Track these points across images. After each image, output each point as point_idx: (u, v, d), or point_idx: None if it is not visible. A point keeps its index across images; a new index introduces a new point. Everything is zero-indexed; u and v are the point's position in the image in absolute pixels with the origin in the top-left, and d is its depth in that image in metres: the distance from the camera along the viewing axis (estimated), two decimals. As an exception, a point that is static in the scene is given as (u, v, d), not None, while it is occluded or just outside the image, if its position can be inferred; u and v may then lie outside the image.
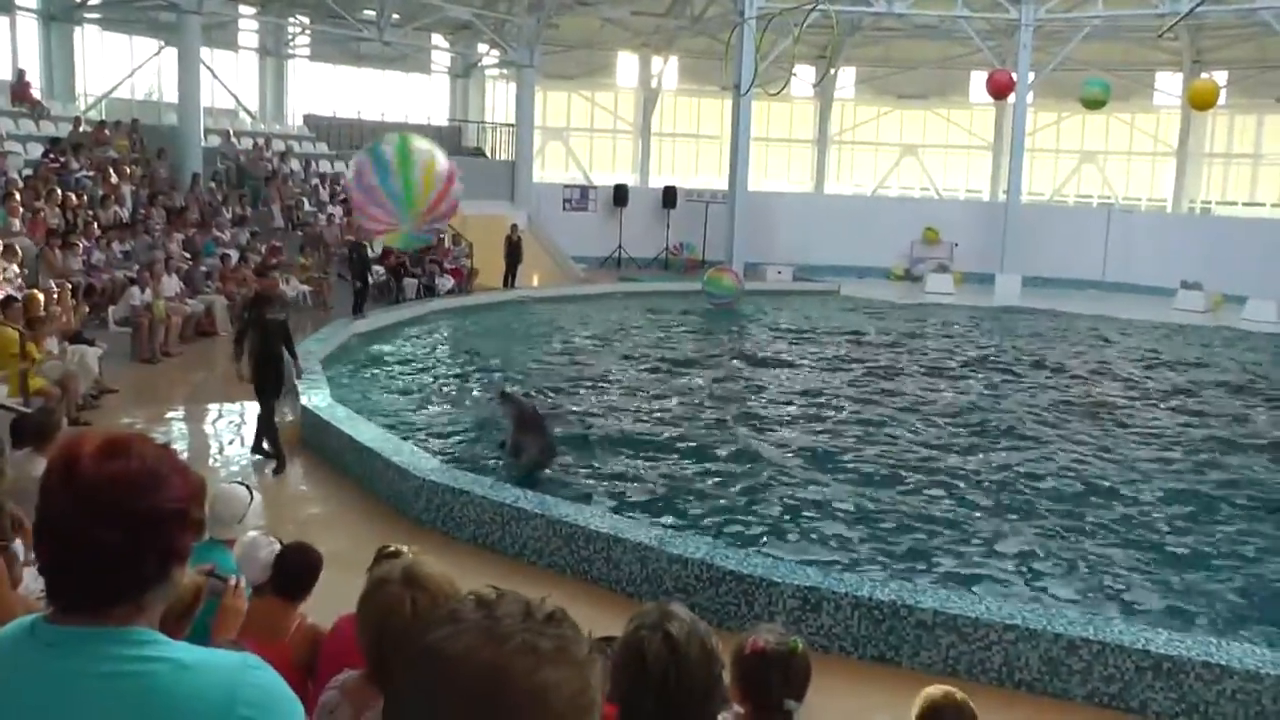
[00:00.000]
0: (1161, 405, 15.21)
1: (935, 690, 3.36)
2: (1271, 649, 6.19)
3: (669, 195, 31.72)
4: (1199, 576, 8.35)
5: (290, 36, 30.11)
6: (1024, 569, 8.34)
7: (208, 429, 10.63)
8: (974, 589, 7.68)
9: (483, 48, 32.16)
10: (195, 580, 2.91)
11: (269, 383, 9.98)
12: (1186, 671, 5.80)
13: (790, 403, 14.32)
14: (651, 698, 2.15)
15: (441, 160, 9.86)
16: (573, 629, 1.23)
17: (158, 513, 1.55)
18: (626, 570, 7.21)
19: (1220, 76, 30.72)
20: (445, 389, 14.39)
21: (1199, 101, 19.50)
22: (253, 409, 10.43)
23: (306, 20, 29.17)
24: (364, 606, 2.48)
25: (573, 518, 7.61)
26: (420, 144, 9.93)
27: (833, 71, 34.21)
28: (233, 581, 3.12)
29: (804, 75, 32.05)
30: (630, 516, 8.67)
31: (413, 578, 2.41)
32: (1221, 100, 29.86)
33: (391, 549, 3.70)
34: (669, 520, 8.84)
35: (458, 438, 11.57)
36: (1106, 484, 10.74)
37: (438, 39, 32.77)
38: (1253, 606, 7.85)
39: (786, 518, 9.30)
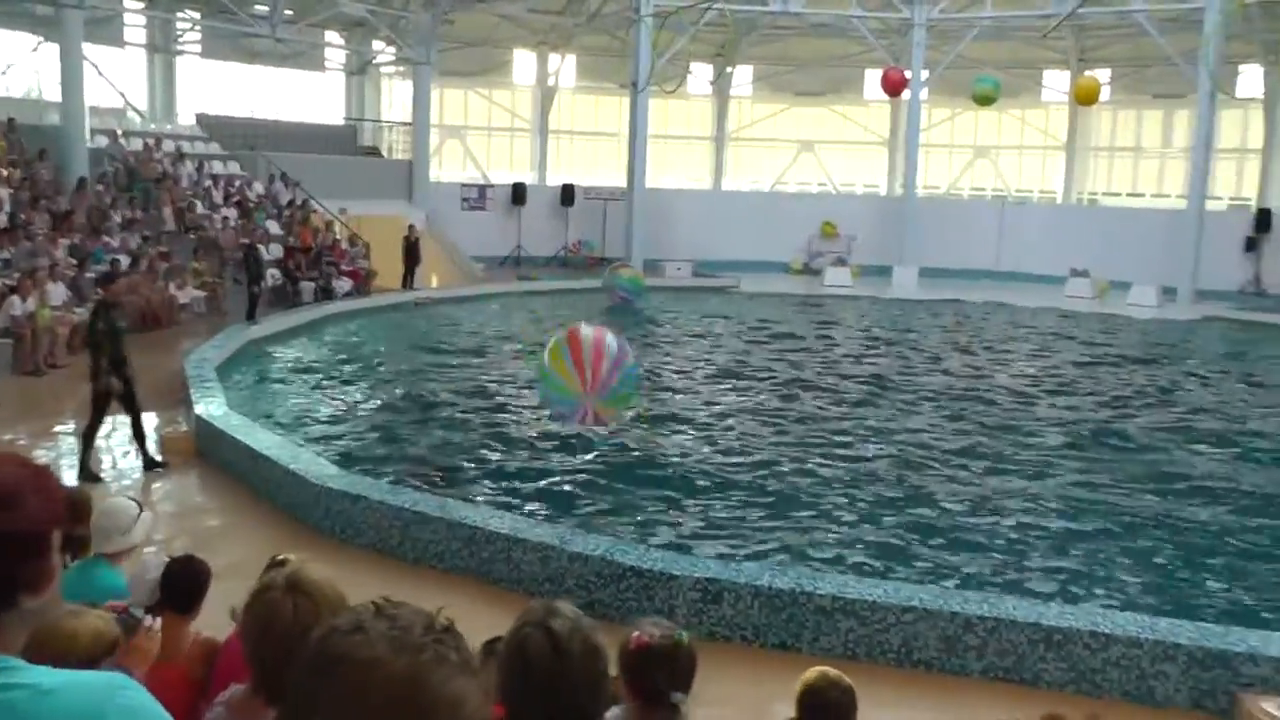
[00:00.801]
0: (1049, 388, 15.76)
1: (810, 673, 3.44)
2: (1151, 615, 6.49)
3: (567, 193, 31.72)
4: (1089, 547, 8.69)
5: (179, 32, 29.29)
6: (931, 549, 8.56)
7: (99, 443, 10.31)
8: (900, 572, 7.90)
9: (378, 45, 31.76)
10: (101, 627, 2.85)
11: (128, 388, 9.93)
12: (1075, 642, 6.04)
13: (701, 392, 14.48)
14: (536, 695, 2.15)
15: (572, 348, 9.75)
16: (464, 639, 1.25)
17: (2, 536, 1.47)
18: (528, 571, 7.18)
19: (1103, 74, 31.82)
20: (344, 393, 14.15)
21: (1084, 97, 20.12)
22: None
23: (196, 15, 28.42)
24: (247, 615, 2.42)
25: (472, 519, 7.56)
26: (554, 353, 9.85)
27: (729, 69, 34.55)
28: (146, 623, 3.05)
29: (701, 73, 32.29)
30: (533, 515, 8.67)
31: (296, 583, 2.36)
32: (1105, 96, 31.01)
33: (281, 558, 3.63)
34: (607, 521, 8.86)
35: (357, 443, 11.41)
36: (1005, 466, 11.11)
37: (332, 36, 32.23)
38: (1135, 574, 8.19)
39: (697, 508, 9.39)
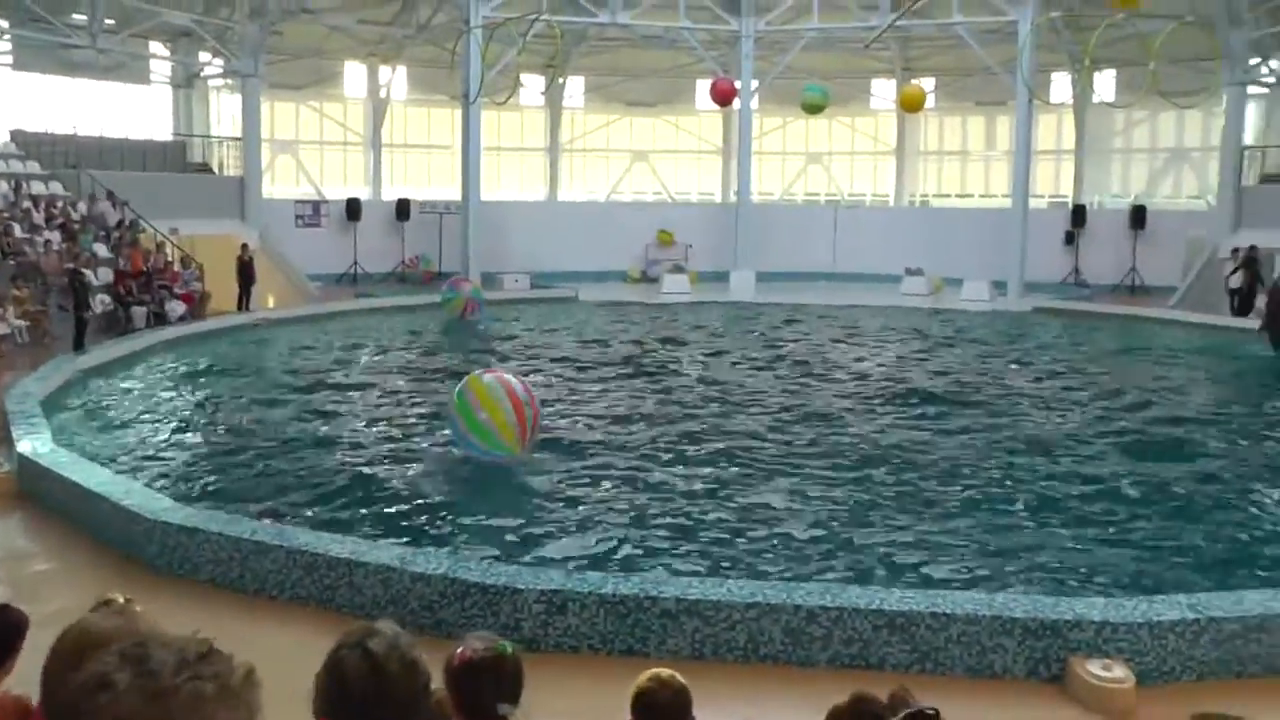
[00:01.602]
0: (883, 382, 16.29)
1: (642, 677, 3.45)
2: (987, 592, 6.76)
3: (403, 207, 31.33)
4: (931, 529, 9.01)
5: (-12, 45, 27.68)
6: (776, 543, 8.74)
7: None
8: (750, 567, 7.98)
9: (205, 56, 30.56)
10: None
11: None
12: (917, 624, 6.22)
13: (556, 401, 14.46)
14: (356, 716, 2.12)
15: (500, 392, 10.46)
16: (225, 660, 1.20)
17: None
18: (370, 594, 6.98)
19: (928, 82, 33.10)
20: (181, 423, 13.56)
21: (909, 105, 20.93)
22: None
23: (5, 24, 26.83)
24: (43, 674, 2.30)
25: (311, 545, 7.32)
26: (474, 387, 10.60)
27: (561, 81, 34.62)
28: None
29: (533, 84, 32.26)
30: (378, 538, 8.49)
31: (82, 634, 2.26)
32: (931, 103, 32.28)
33: (109, 598, 3.43)
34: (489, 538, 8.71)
35: (195, 475, 10.91)
36: (846, 458, 11.41)
37: (156, 47, 30.80)
38: (971, 552, 8.54)
39: (553, 518, 9.34)
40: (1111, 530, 9.17)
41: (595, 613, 6.46)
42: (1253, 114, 30.19)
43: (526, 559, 8.11)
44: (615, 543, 8.70)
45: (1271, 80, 29.47)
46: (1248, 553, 8.74)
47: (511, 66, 26.19)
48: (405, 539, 8.58)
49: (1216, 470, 11.27)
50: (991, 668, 6.19)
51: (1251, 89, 29.08)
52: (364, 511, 9.53)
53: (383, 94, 34.40)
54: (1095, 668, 5.91)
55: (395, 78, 34.50)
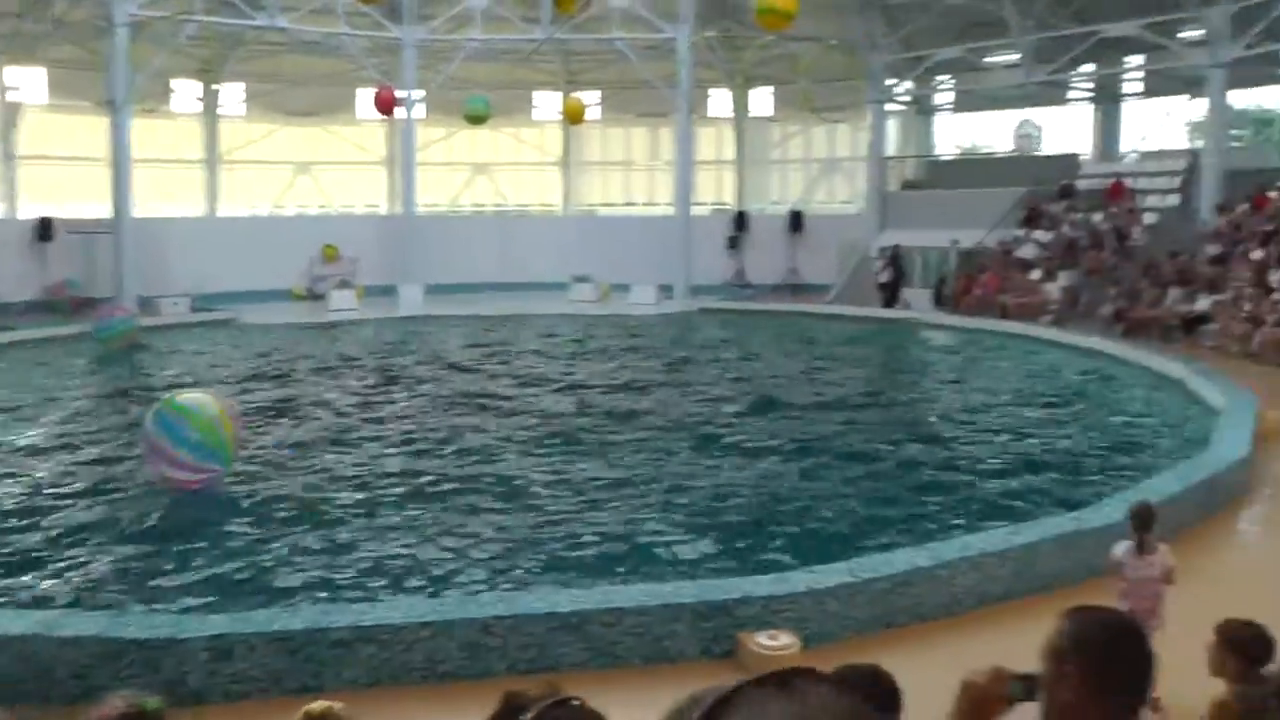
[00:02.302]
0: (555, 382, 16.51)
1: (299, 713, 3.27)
2: (658, 583, 6.95)
3: (45, 227, 28.52)
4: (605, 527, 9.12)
5: None
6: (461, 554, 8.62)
7: None
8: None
9: None
10: None
11: None
12: (592, 621, 6.30)
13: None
14: None
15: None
16: None
17: None
18: (8, 671, 6.02)
19: (592, 95, 33.95)
20: None
21: (572, 117, 21.30)
22: None
23: None
24: None
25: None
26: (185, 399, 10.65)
27: (217, 87, 32.79)
28: None
29: (187, 90, 30.39)
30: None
31: None
32: (595, 115, 33.26)
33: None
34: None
35: None
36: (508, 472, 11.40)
37: None
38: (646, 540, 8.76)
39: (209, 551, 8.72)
40: (771, 507, 9.71)
41: (264, 653, 6.08)
42: (893, 128, 33.58)
43: (193, 605, 7.56)
44: (292, 574, 8.31)
45: (907, 99, 32.84)
46: (889, 513, 9.59)
47: (163, 70, 24.47)
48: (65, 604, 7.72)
49: (862, 444, 12.25)
50: (666, 653, 6.37)
51: (890, 106, 32.33)
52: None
53: (12, 97, 30.94)
54: (763, 639, 6.24)
55: (31, 79, 31.18)
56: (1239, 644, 3.93)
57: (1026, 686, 2.22)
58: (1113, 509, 7.90)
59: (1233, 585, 7.44)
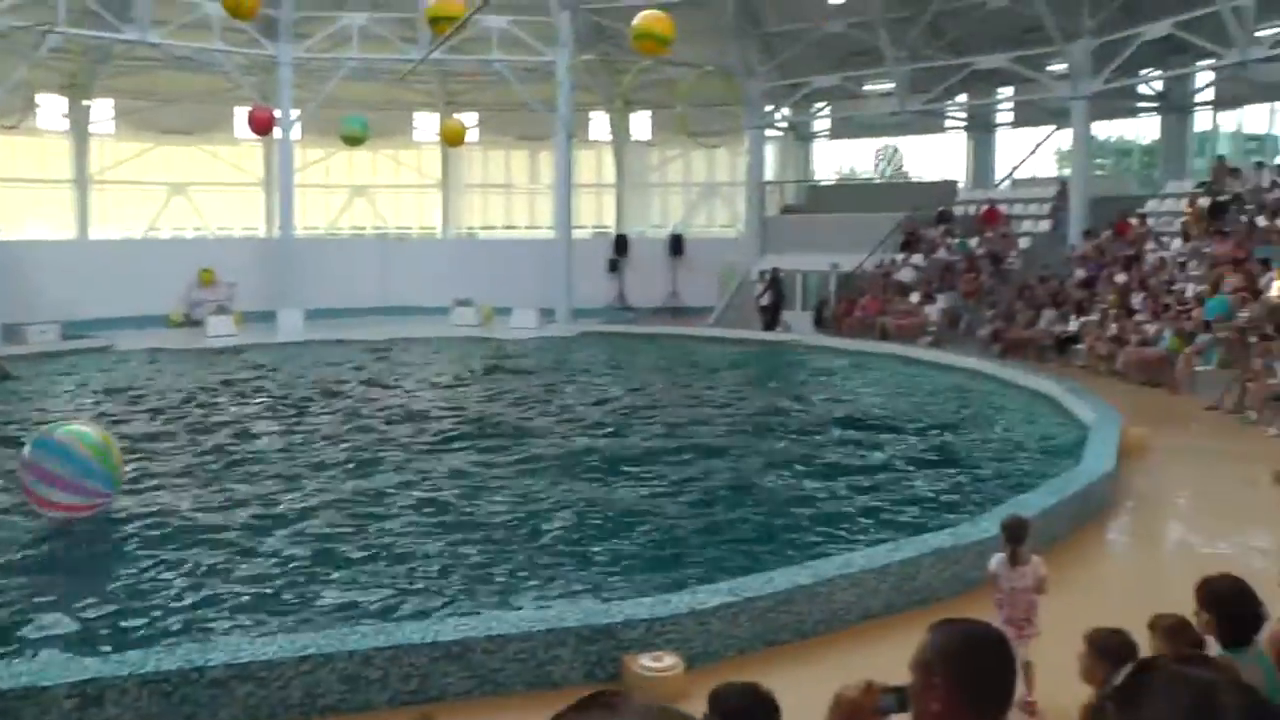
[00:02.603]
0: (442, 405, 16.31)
1: None
2: (541, 608, 6.87)
3: (-102, 253, 27.10)
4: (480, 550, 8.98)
5: None
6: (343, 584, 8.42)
7: None
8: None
9: None
10: None
11: None
12: (474, 649, 6.20)
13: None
14: None
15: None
16: None
17: None
18: None
19: (471, 117, 33.78)
20: None
21: (450, 139, 21.07)
22: None
23: None
24: None
25: None
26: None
27: (86, 103, 31.67)
28: None
29: (51, 106, 29.23)
30: None
31: None
32: (474, 137, 33.11)
33: None
34: None
35: None
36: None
37: None
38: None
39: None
40: (655, 530, 9.71)
41: (137, 696, 5.76)
42: (771, 154, 34.16)
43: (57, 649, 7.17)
44: (176, 611, 7.99)
45: (784, 125, 33.51)
46: (771, 532, 9.74)
47: (24, 84, 23.46)
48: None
49: (743, 465, 12.37)
50: (550, 678, 6.31)
51: (769, 132, 32.84)
52: None
53: None
54: (646, 660, 6.22)
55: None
56: (1106, 651, 4.11)
57: (899, 698, 2.29)
58: (989, 524, 8.08)
59: (1102, 594, 7.69)
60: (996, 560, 6.04)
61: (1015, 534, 6.04)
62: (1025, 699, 5.62)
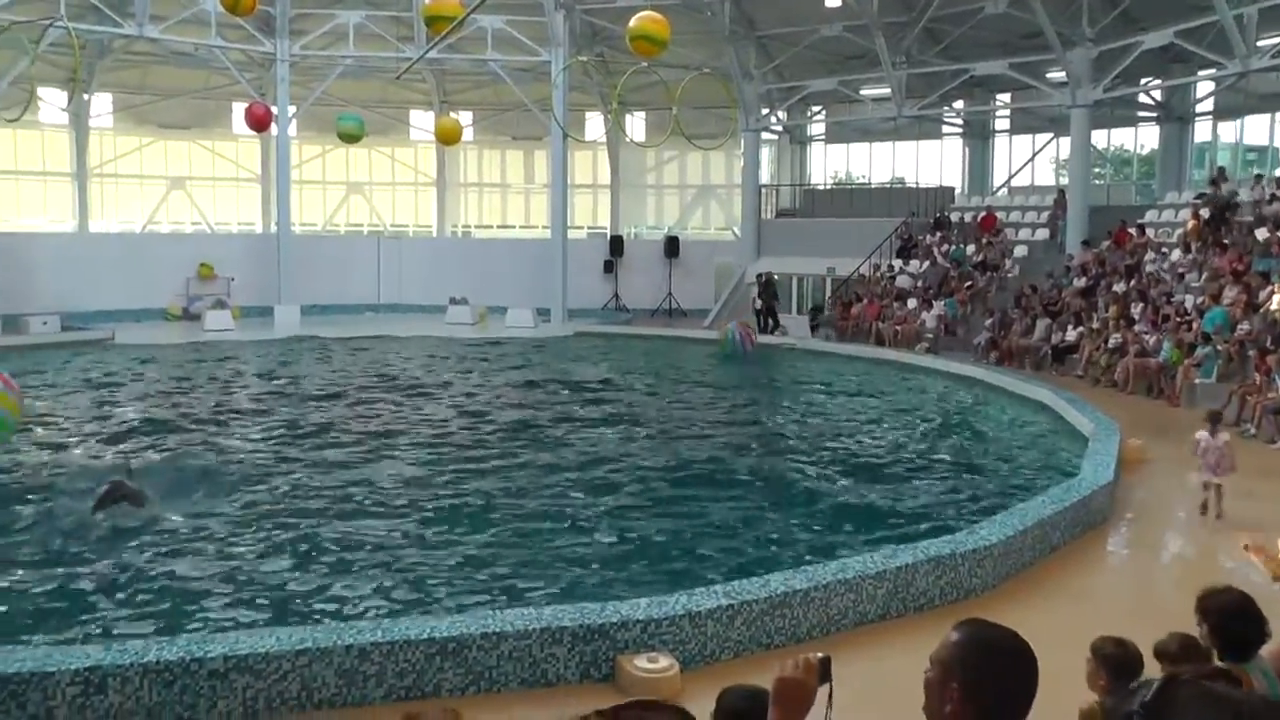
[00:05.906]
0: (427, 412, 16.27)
1: None
2: (538, 607, 6.91)
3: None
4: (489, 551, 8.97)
5: None
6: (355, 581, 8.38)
7: None
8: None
9: None
10: None
11: None
12: (470, 646, 6.19)
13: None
14: None
15: None
16: None
17: None
18: None
19: (466, 116, 33.80)
20: None
21: (445, 137, 21.02)
22: None
23: None
24: None
25: None
26: None
27: (86, 97, 31.55)
28: None
29: (54, 100, 29.16)
30: None
31: None
32: (469, 136, 33.13)
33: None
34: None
35: None
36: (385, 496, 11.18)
37: None
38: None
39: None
40: (655, 531, 9.71)
41: (139, 685, 5.76)
42: (767, 157, 34.14)
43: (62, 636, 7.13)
44: (178, 601, 7.98)
45: (779, 129, 33.52)
46: (768, 537, 9.69)
47: (25, 78, 23.36)
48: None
49: (740, 466, 12.36)
50: (545, 677, 6.30)
51: (765, 135, 32.80)
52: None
53: None
54: (641, 661, 6.22)
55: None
56: (1108, 660, 4.12)
57: (824, 669, 2.33)
58: (987, 532, 8.10)
59: (1101, 603, 7.68)
60: (1202, 434, 10.06)
61: (1215, 417, 10.37)
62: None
